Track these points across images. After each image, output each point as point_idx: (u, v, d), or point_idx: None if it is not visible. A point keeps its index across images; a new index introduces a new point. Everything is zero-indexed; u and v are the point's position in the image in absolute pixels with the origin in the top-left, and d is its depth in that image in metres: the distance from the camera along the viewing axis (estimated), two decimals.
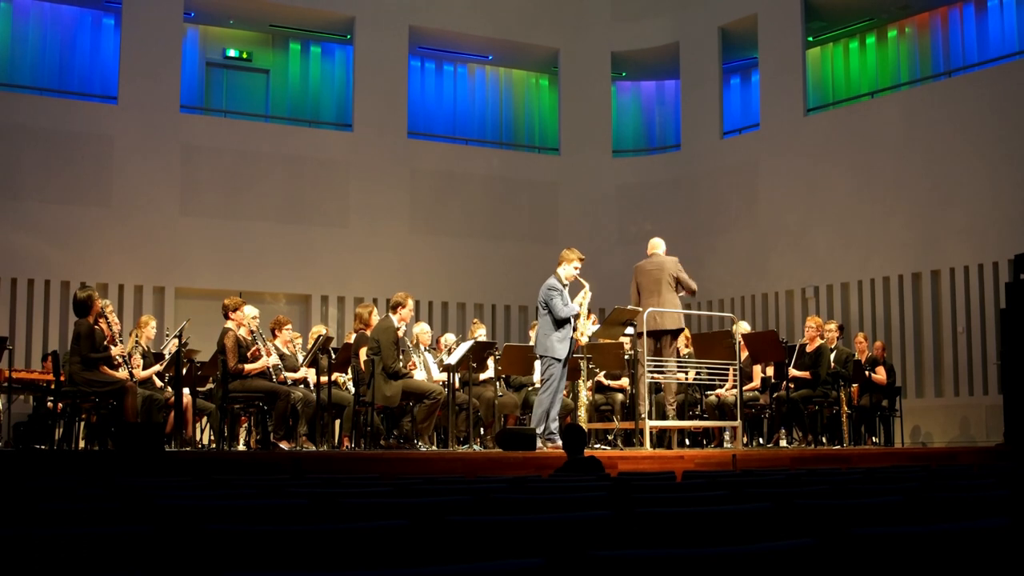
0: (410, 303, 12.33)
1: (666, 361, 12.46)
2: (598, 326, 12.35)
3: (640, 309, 12.11)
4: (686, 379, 13.66)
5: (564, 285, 11.50)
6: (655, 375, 12.33)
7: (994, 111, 17.27)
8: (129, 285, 18.33)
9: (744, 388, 14.15)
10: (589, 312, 12.00)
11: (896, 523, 4.44)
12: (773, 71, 20.66)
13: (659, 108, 24.11)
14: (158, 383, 12.77)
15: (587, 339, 11.93)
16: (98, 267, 18.04)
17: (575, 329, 11.54)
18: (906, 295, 18.23)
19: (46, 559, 3.16)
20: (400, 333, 12.18)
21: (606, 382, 13.76)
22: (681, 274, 12.67)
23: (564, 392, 14.11)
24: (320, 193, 20.03)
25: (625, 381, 13.51)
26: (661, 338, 12.53)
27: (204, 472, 7.89)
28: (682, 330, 12.90)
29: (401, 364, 12.06)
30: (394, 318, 12.09)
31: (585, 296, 11.70)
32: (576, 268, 11.58)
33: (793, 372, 14.00)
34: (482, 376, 13.57)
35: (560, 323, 11.36)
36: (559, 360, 11.37)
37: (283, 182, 19.79)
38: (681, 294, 12.90)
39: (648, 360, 12.01)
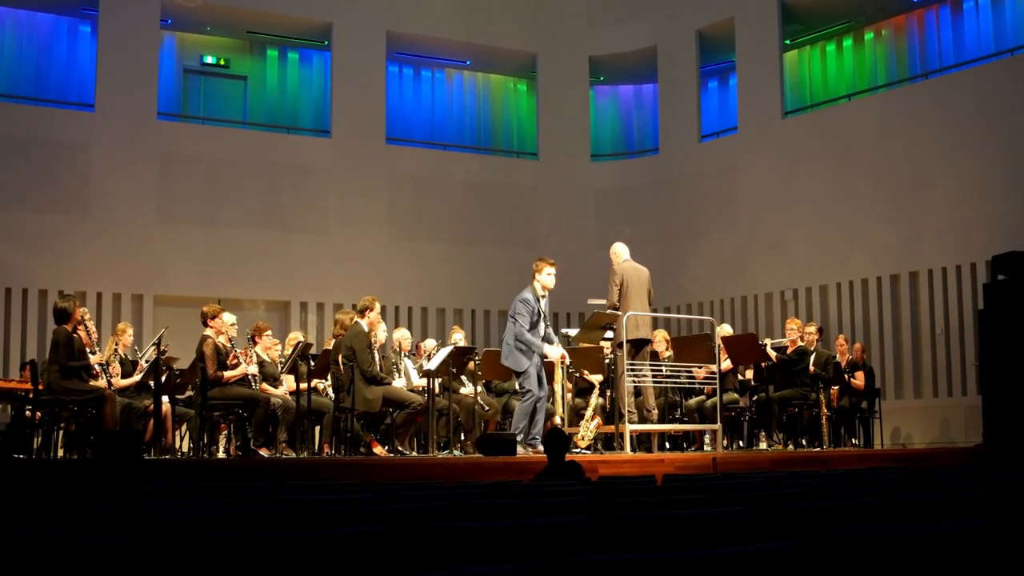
0: (376, 305, 12.37)
1: (644, 365, 12.46)
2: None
3: (619, 313, 12.12)
4: (664, 382, 13.65)
5: (542, 296, 11.58)
6: (635, 379, 12.34)
7: (971, 113, 17.33)
8: (107, 293, 18.24)
9: (739, 377, 14.28)
10: (593, 415, 12.19)
11: (875, 525, 4.46)
12: (750, 74, 20.72)
13: (637, 112, 24.13)
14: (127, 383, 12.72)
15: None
16: (76, 275, 17.93)
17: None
18: (884, 297, 18.27)
19: (28, 566, 3.15)
20: (372, 338, 12.19)
21: (588, 377, 13.74)
22: (651, 286, 12.79)
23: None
24: (299, 200, 19.97)
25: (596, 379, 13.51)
26: (640, 346, 12.52)
27: (184, 480, 7.88)
28: (649, 342, 12.93)
29: (378, 368, 12.07)
30: (363, 322, 12.10)
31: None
32: (550, 275, 11.65)
33: (771, 352, 14.01)
34: (462, 390, 13.63)
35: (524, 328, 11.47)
36: (525, 370, 11.43)
37: (261, 189, 19.72)
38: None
39: (628, 364, 12.03)
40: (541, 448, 10.58)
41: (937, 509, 4.80)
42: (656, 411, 12.88)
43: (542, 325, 11.53)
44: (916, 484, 6.34)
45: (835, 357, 15.13)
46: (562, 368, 12.04)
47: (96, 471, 8.82)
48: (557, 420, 11.98)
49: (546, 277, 11.63)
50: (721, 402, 13.01)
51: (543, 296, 11.61)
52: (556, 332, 12.44)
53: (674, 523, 4.25)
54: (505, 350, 11.59)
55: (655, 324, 14.25)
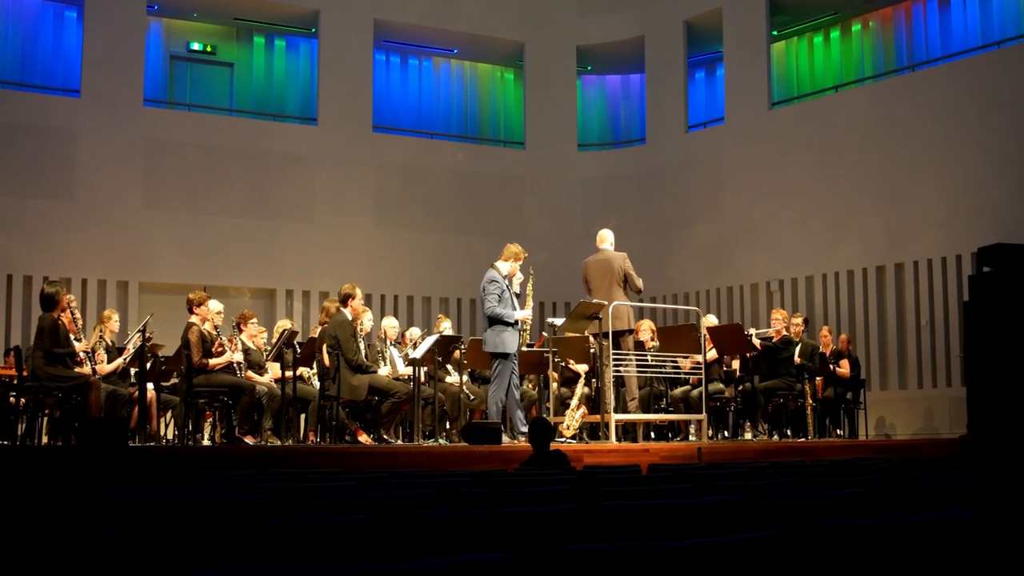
0: (359, 292, 12.39)
1: (626, 354, 12.42)
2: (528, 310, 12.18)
3: (605, 303, 12.09)
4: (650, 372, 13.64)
5: (505, 277, 11.58)
6: (619, 367, 12.32)
7: (957, 105, 17.36)
8: (93, 280, 18.20)
9: (725, 367, 14.28)
10: (579, 405, 12.24)
11: (859, 515, 4.46)
12: (738, 65, 20.72)
13: (624, 102, 24.13)
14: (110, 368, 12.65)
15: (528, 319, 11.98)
16: (61, 262, 17.89)
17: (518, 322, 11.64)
18: (870, 288, 18.31)
19: (14, 555, 3.14)
20: (357, 325, 12.19)
21: (574, 367, 13.72)
22: (629, 271, 12.45)
23: (531, 385, 14.17)
24: (285, 187, 19.93)
25: (582, 368, 13.51)
26: (617, 337, 12.41)
27: (169, 467, 7.86)
28: (632, 331, 12.81)
29: (363, 356, 12.07)
30: (346, 311, 12.11)
31: (529, 283, 11.87)
32: (520, 265, 11.70)
33: (756, 340, 14.01)
34: (448, 379, 13.63)
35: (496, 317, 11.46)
36: (508, 355, 11.41)
37: (248, 176, 19.69)
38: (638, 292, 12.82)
39: (613, 354, 12.02)
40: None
41: (923, 499, 4.80)
42: (637, 400, 12.81)
43: (516, 303, 11.54)
44: (902, 474, 6.34)
45: (820, 347, 15.15)
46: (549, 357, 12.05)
47: (80, 458, 8.80)
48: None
49: (517, 264, 11.70)
50: (706, 392, 13.02)
51: (506, 277, 11.63)
52: (543, 321, 12.43)
53: (659, 513, 4.24)
54: (490, 335, 11.55)
55: (640, 314, 14.27)
